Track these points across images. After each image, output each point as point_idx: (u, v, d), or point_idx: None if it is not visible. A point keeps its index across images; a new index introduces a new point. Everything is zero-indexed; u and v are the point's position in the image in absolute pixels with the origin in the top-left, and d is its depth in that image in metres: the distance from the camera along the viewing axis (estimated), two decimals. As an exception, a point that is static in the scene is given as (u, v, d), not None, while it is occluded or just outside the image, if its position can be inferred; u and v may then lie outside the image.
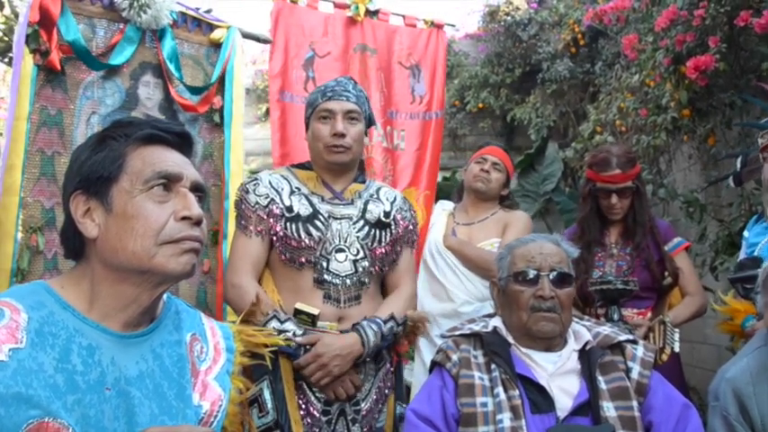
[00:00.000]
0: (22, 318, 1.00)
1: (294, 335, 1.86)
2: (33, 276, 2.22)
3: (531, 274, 1.73)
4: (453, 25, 4.06)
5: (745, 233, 2.41)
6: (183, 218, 1.07)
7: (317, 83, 3.39)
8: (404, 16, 3.76)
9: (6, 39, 4.06)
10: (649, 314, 2.51)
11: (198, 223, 1.09)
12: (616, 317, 2.32)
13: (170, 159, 1.10)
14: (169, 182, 1.08)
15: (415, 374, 2.88)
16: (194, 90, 2.63)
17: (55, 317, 1.03)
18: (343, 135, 2.01)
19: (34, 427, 0.94)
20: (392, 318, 1.98)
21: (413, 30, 3.74)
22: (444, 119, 6.23)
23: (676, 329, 2.41)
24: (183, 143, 1.16)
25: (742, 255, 2.37)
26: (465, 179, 2.98)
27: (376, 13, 3.61)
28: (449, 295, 2.72)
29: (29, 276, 2.21)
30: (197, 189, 1.13)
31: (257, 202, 1.99)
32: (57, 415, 0.96)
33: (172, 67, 2.56)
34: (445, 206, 3.03)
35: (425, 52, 3.74)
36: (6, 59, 4.37)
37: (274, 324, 1.86)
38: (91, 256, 1.09)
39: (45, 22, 2.24)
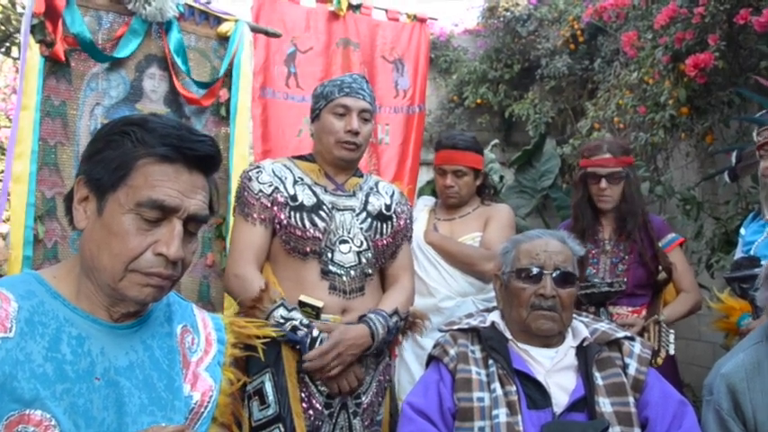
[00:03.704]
0: (12, 307, 1.00)
1: (301, 323, 1.86)
2: (34, 265, 2.23)
3: (534, 271, 1.73)
4: (436, 19, 4.06)
5: (742, 231, 2.42)
6: (160, 254, 1.03)
7: (299, 78, 3.40)
8: (386, 10, 3.76)
9: (3, 28, 4.05)
10: (644, 312, 2.51)
11: (174, 262, 1.05)
12: (604, 318, 2.31)
13: (174, 186, 1.04)
14: (162, 212, 1.04)
15: (396, 370, 2.88)
16: (200, 83, 2.63)
17: (45, 306, 1.03)
18: (357, 133, 2.01)
19: (15, 420, 0.94)
20: (396, 312, 1.99)
21: (396, 24, 3.75)
22: (440, 114, 6.29)
23: (671, 331, 2.41)
24: (206, 161, 1.09)
25: (738, 253, 2.38)
26: (436, 186, 2.91)
27: (358, 7, 3.61)
28: (430, 291, 2.70)
29: (30, 264, 2.23)
30: (195, 220, 1.08)
31: (260, 190, 1.98)
32: (41, 406, 0.96)
33: (178, 61, 2.55)
34: (426, 202, 3.00)
35: (408, 46, 3.76)
36: (3, 49, 4.35)
37: (282, 312, 1.85)
38: (82, 244, 1.08)
39: (50, 13, 2.24)
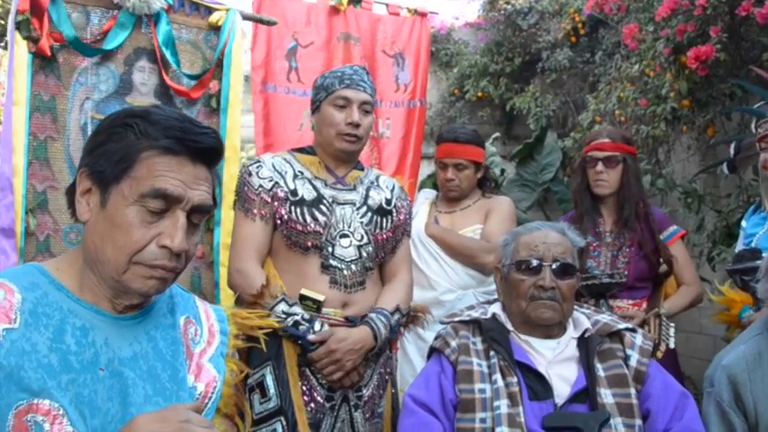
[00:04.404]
0: (16, 298, 1.00)
1: (302, 318, 1.86)
2: (26, 257, 2.27)
3: (534, 263, 1.73)
4: (437, 13, 4.07)
5: (743, 223, 2.41)
6: (164, 246, 1.03)
7: (300, 73, 3.41)
8: (387, 4, 3.78)
9: (2, 23, 4.05)
10: (644, 305, 2.51)
11: (178, 254, 1.05)
12: (604, 310, 2.31)
13: (178, 176, 1.04)
14: (166, 202, 1.03)
15: (398, 363, 2.89)
16: (190, 75, 2.63)
17: (49, 298, 1.04)
18: (358, 125, 2.01)
19: (24, 409, 0.95)
20: (398, 309, 2.00)
21: (396, 18, 3.77)
22: (441, 107, 6.28)
23: (672, 324, 2.41)
24: (209, 154, 1.09)
25: (739, 245, 2.37)
26: (437, 179, 2.91)
27: (359, 1, 3.64)
28: (430, 284, 2.70)
29: (22, 257, 2.26)
30: (199, 211, 1.07)
31: (260, 185, 1.97)
32: (48, 396, 0.96)
33: (167, 53, 2.55)
34: (428, 195, 3.00)
35: (409, 40, 3.78)
36: (2, 44, 4.35)
37: (283, 307, 1.86)
38: (85, 237, 1.08)
39: (35, 10, 2.27)
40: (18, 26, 2.25)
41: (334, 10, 3.54)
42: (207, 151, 1.08)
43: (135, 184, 1.03)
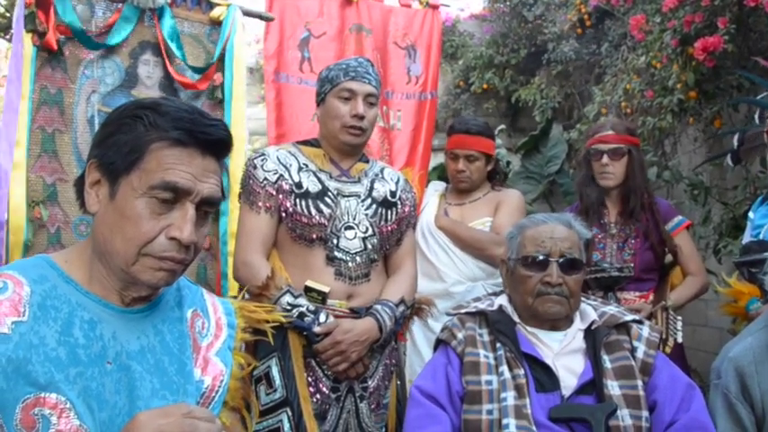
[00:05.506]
0: (25, 291, 1.00)
1: (307, 309, 1.87)
2: (38, 249, 2.29)
3: (540, 258, 1.72)
4: (448, 5, 4.05)
5: (751, 215, 2.40)
6: (173, 238, 1.03)
7: (313, 63, 3.41)
8: None
9: (8, 15, 4.06)
10: (651, 296, 2.51)
11: (187, 246, 1.05)
12: (612, 303, 2.31)
13: (187, 169, 1.04)
14: (176, 194, 1.04)
15: (408, 354, 2.90)
16: (195, 68, 2.65)
17: (57, 290, 1.04)
18: (362, 117, 2.01)
19: (31, 402, 0.95)
20: (402, 301, 2.00)
21: (408, 10, 3.76)
22: (446, 99, 6.26)
23: (679, 318, 2.41)
24: (219, 146, 1.09)
25: (747, 236, 2.37)
26: (447, 171, 2.91)
27: None
28: (440, 275, 2.71)
29: (33, 249, 2.29)
30: (208, 203, 1.08)
31: (266, 178, 1.98)
32: (55, 389, 0.97)
33: (173, 46, 2.58)
34: (437, 187, 3.00)
35: (421, 32, 3.77)
36: (8, 36, 4.36)
37: (288, 299, 1.87)
38: (94, 228, 1.08)
39: (41, 3, 2.28)
40: (25, 20, 2.27)
41: (347, 1, 3.54)
42: (216, 143, 1.08)
43: (144, 176, 1.03)
